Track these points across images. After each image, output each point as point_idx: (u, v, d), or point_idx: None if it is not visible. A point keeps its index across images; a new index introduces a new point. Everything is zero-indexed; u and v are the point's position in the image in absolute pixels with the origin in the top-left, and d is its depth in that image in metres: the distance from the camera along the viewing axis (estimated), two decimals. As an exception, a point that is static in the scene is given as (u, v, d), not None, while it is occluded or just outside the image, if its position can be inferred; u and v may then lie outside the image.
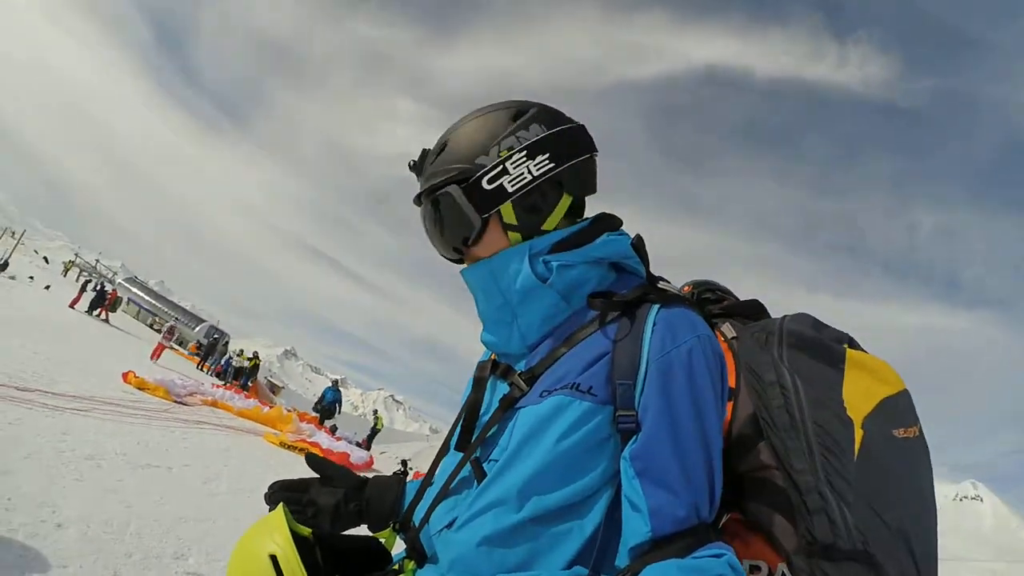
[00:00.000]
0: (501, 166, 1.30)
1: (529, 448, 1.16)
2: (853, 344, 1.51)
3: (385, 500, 1.48)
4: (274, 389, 50.00)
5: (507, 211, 1.32)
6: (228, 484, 7.53)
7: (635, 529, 1.07)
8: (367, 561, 1.37)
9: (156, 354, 25.60)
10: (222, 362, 34.98)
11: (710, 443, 1.13)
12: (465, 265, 1.39)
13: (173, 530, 4.99)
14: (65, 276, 64.10)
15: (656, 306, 1.22)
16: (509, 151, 1.31)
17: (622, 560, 1.10)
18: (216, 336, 44.78)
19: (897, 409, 1.41)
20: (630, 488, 1.10)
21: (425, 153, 1.40)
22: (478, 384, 1.39)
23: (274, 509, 1.29)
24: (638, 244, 1.37)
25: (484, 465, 1.23)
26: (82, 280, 45.19)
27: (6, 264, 30.34)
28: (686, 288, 2.04)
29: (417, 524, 1.30)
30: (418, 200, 1.42)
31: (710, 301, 2.00)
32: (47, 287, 36.13)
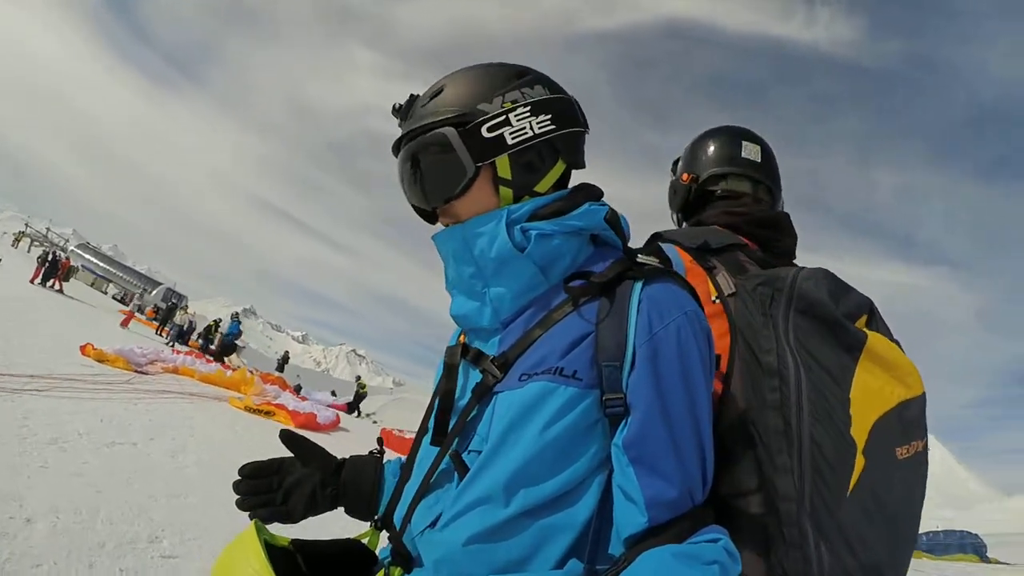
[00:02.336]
0: (504, 116, 1.25)
1: (513, 439, 1.11)
2: (872, 318, 1.37)
3: (362, 483, 1.43)
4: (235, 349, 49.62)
5: (503, 164, 1.27)
6: (196, 456, 7.48)
7: (630, 519, 1.05)
8: (351, 564, 1.34)
9: (126, 322, 26.26)
10: (182, 325, 34.36)
11: (701, 425, 1.11)
12: (438, 227, 1.34)
13: (145, 512, 4.96)
14: (16, 247, 61.97)
15: (639, 283, 1.17)
16: (513, 103, 1.27)
17: (616, 548, 1.08)
18: (174, 300, 43.87)
19: (907, 419, 1.27)
20: (623, 477, 1.07)
21: (413, 98, 1.34)
22: (449, 371, 1.31)
23: (247, 529, 1.22)
24: (612, 219, 1.29)
25: (465, 457, 1.18)
26: (38, 252, 43.70)
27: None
28: (685, 177, 1.98)
29: (399, 525, 1.25)
30: (397, 146, 1.34)
31: (718, 197, 1.92)
32: None
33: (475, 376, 1.25)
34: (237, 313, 29.91)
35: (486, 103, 1.26)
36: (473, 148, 1.23)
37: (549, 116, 1.27)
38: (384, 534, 1.35)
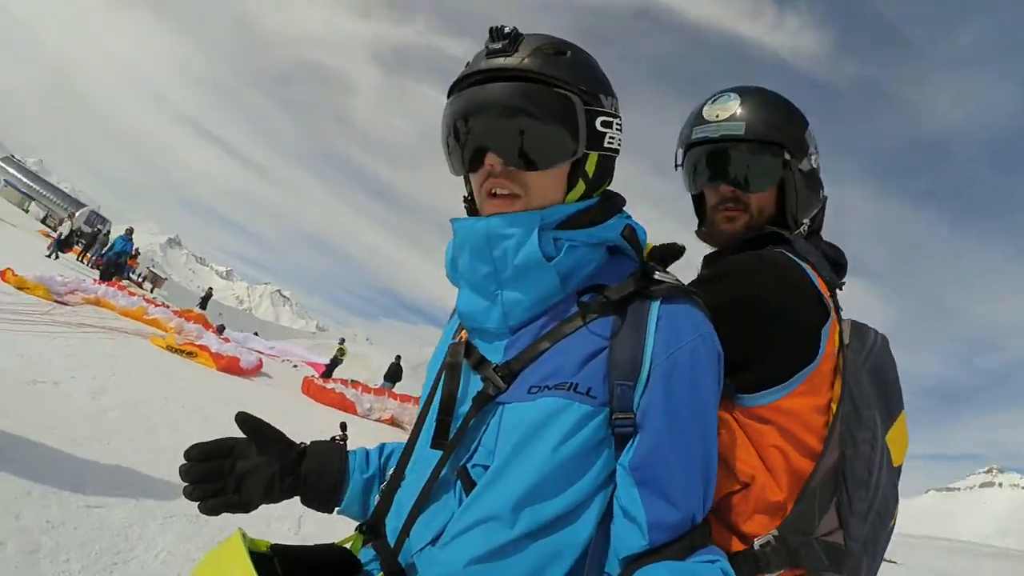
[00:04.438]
0: (612, 119, 1.26)
1: (524, 456, 1.09)
2: None
3: (325, 476, 1.38)
4: (156, 281, 48.10)
5: (592, 160, 1.26)
6: (118, 397, 7.27)
7: (630, 540, 1.05)
8: (332, 571, 1.30)
9: (82, 256, 25.06)
10: (103, 253, 32.61)
11: (709, 448, 1.11)
12: (461, 216, 1.29)
13: (68, 457, 4.85)
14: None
15: (656, 302, 1.16)
16: (615, 111, 1.28)
17: (612, 567, 1.09)
18: (99, 225, 41.68)
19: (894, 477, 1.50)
20: (627, 497, 1.06)
21: (519, 35, 1.21)
22: (452, 371, 1.26)
23: (231, 537, 1.16)
24: (630, 235, 1.27)
25: (471, 471, 1.15)
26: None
27: None
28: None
29: (394, 538, 1.21)
30: (496, 79, 1.19)
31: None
32: None
33: (476, 382, 1.22)
34: (131, 229, 27.91)
35: (604, 96, 1.25)
36: (589, 131, 1.21)
37: (620, 135, 1.29)
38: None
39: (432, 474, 1.17)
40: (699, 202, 1.77)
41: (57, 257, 23.50)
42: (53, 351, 8.48)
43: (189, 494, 1.26)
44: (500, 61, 1.19)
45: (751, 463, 1.32)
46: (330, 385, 17.37)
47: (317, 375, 21.12)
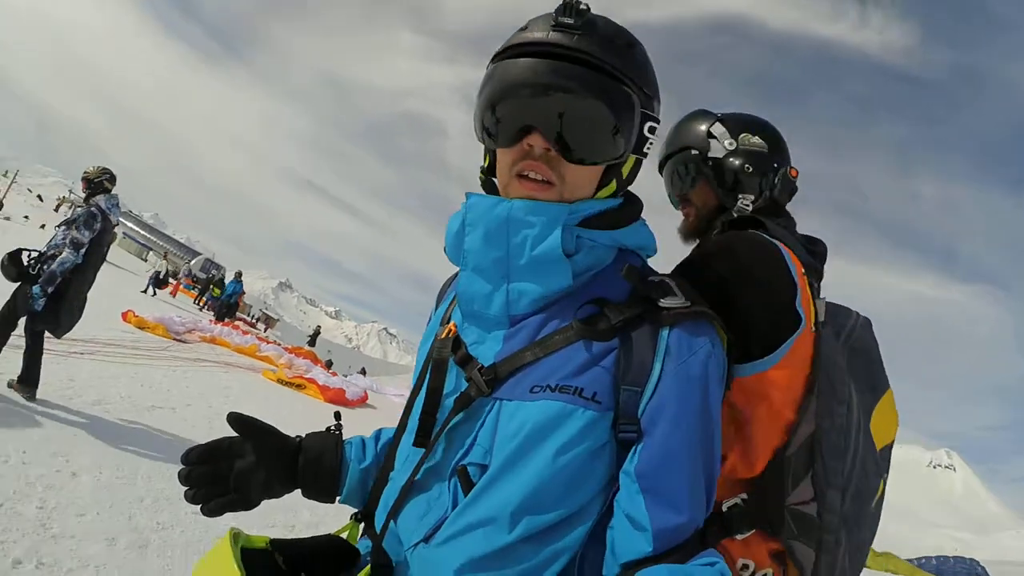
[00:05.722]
0: (655, 125, 1.19)
1: (525, 460, 1.04)
2: None
3: (321, 467, 1.35)
4: (269, 322, 50.38)
5: (630, 163, 1.21)
6: (230, 424, 7.67)
7: (634, 546, 1.01)
8: (332, 561, 1.27)
9: (174, 292, 27.75)
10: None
11: (715, 454, 1.08)
12: (479, 191, 1.22)
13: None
14: (58, 211, 63.48)
15: (665, 328, 1.08)
16: (658, 116, 1.20)
17: (610, 570, 1.05)
18: (213, 271, 44.51)
19: (887, 456, 1.52)
20: (632, 505, 1.02)
21: (592, 14, 1.12)
22: (438, 367, 1.21)
23: (221, 540, 1.13)
24: (640, 244, 1.25)
25: (468, 469, 1.10)
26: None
27: (0, 205, 30.14)
28: (794, 172, 1.75)
29: (380, 528, 1.19)
30: (558, 54, 1.09)
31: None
32: (42, 226, 35.56)
33: (461, 381, 1.16)
34: (240, 272, 29.15)
35: (656, 100, 1.19)
36: (639, 135, 1.16)
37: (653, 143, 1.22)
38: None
39: (412, 472, 1.15)
40: None
41: (155, 294, 25.13)
42: (172, 382, 9.15)
43: (190, 498, 1.21)
44: (570, 39, 1.08)
45: (727, 435, 1.29)
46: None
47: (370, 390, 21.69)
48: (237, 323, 26.03)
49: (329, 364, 25.35)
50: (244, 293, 30.42)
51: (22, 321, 5.79)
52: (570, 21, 1.08)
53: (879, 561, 9.16)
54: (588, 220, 1.13)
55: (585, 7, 1.09)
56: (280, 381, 14.02)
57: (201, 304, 32.09)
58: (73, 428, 5.42)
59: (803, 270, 1.44)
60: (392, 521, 1.16)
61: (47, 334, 5.95)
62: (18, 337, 5.83)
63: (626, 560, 1.01)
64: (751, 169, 1.71)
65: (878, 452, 1.48)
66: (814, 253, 1.61)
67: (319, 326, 51.43)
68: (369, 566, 1.15)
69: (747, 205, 1.70)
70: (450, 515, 1.07)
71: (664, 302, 1.08)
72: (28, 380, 5.80)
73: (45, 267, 5.72)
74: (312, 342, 39.77)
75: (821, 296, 1.52)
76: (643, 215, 1.28)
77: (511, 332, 1.14)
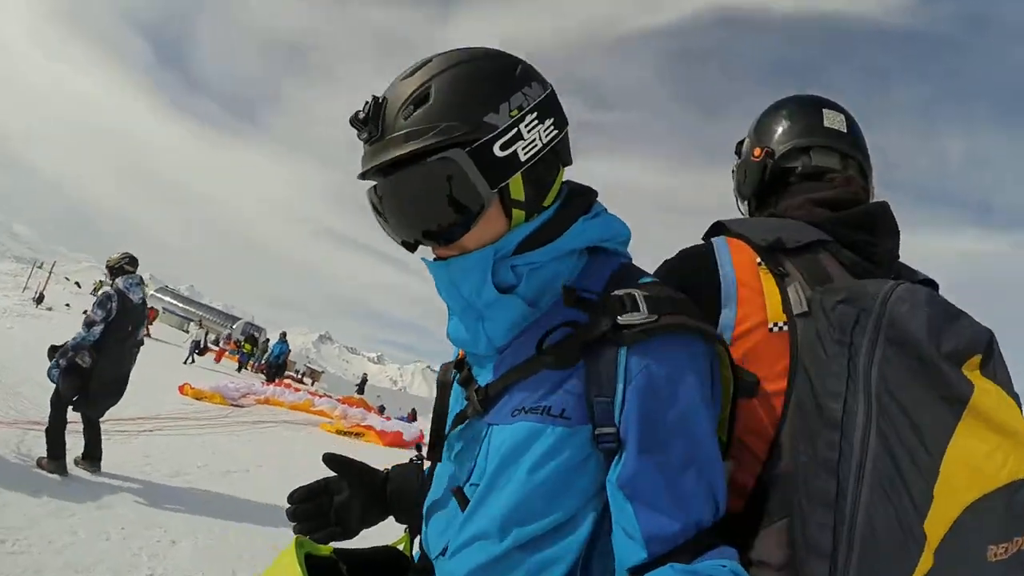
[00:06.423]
0: (516, 128, 1.07)
1: (504, 478, 1.08)
2: (989, 359, 1.01)
3: (407, 493, 1.42)
4: (314, 375, 50.90)
5: (516, 184, 1.10)
6: (302, 478, 7.83)
7: (631, 554, 1.01)
8: (390, 569, 1.40)
9: (218, 358, 28.70)
10: (264, 359, 33.86)
11: (703, 451, 1.03)
12: (431, 256, 1.20)
13: (270, 523, 5.52)
14: (96, 296, 64.90)
15: (624, 348, 1.05)
16: (520, 110, 1.09)
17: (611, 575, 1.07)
18: (255, 333, 45.38)
19: (1018, 506, 0.95)
20: (621, 514, 1.02)
21: (380, 103, 1.09)
22: (442, 389, 1.32)
23: (288, 546, 1.25)
24: (604, 238, 1.21)
25: (466, 490, 1.16)
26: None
27: (42, 297, 30.99)
28: (758, 152, 1.52)
29: (420, 541, 1.31)
30: (379, 171, 1.11)
31: (800, 176, 1.47)
32: (84, 312, 35.93)
33: (462, 401, 1.22)
34: (284, 333, 30.61)
35: (493, 113, 1.07)
36: (487, 172, 1.05)
37: (552, 120, 1.13)
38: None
39: (436, 490, 1.25)
40: None
41: (193, 361, 25.66)
42: (238, 446, 9.47)
43: (298, 532, 1.31)
44: (367, 160, 1.11)
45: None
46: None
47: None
48: (287, 381, 26.52)
49: (382, 409, 25.67)
50: (291, 351, 31.10)
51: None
52: (365, 136, 1.10)
53: None
54: (523, 244, 1.12)
55: (365, 112, 1.08)
56: (339, 432, 14.32)
57: (250, 368, 32.61)
58: (160, 500, 5.69)
59: (757, 259, 1.24)
60: (425, 534, 1.26)
61: (115, 417, 6.21)
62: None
63: (628, 567, 1.02)
64: (743, 177, 1.61)
65: (969, 508, 0.93)
66: (833, 228, 1.29)
67: (365, 373, 51.88)
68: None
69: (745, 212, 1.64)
70: (455, 530, 1.15)
71: (624, 319, 1.03)
72: (88, 456, 6.09)
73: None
74: (360, 389, 40.12)
75: (828, 281, 1.19)
76: (600, 200, 1.25)
77: (500, 360, 1.18)
